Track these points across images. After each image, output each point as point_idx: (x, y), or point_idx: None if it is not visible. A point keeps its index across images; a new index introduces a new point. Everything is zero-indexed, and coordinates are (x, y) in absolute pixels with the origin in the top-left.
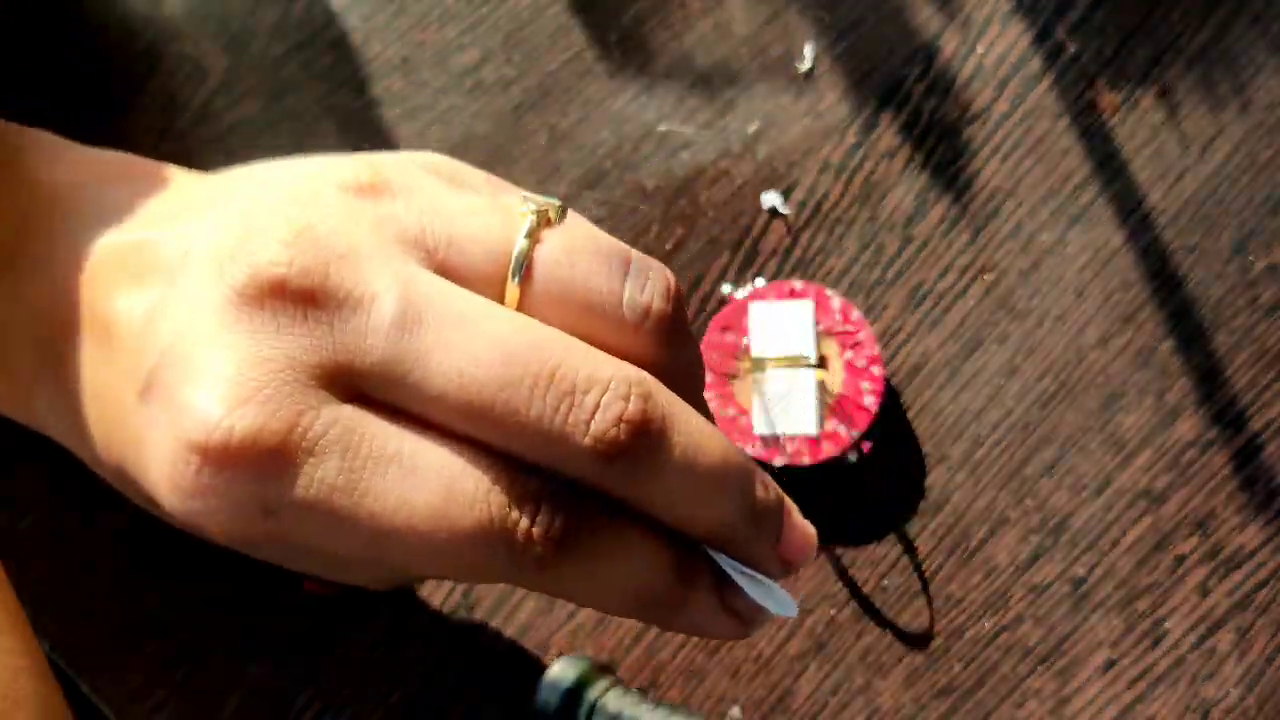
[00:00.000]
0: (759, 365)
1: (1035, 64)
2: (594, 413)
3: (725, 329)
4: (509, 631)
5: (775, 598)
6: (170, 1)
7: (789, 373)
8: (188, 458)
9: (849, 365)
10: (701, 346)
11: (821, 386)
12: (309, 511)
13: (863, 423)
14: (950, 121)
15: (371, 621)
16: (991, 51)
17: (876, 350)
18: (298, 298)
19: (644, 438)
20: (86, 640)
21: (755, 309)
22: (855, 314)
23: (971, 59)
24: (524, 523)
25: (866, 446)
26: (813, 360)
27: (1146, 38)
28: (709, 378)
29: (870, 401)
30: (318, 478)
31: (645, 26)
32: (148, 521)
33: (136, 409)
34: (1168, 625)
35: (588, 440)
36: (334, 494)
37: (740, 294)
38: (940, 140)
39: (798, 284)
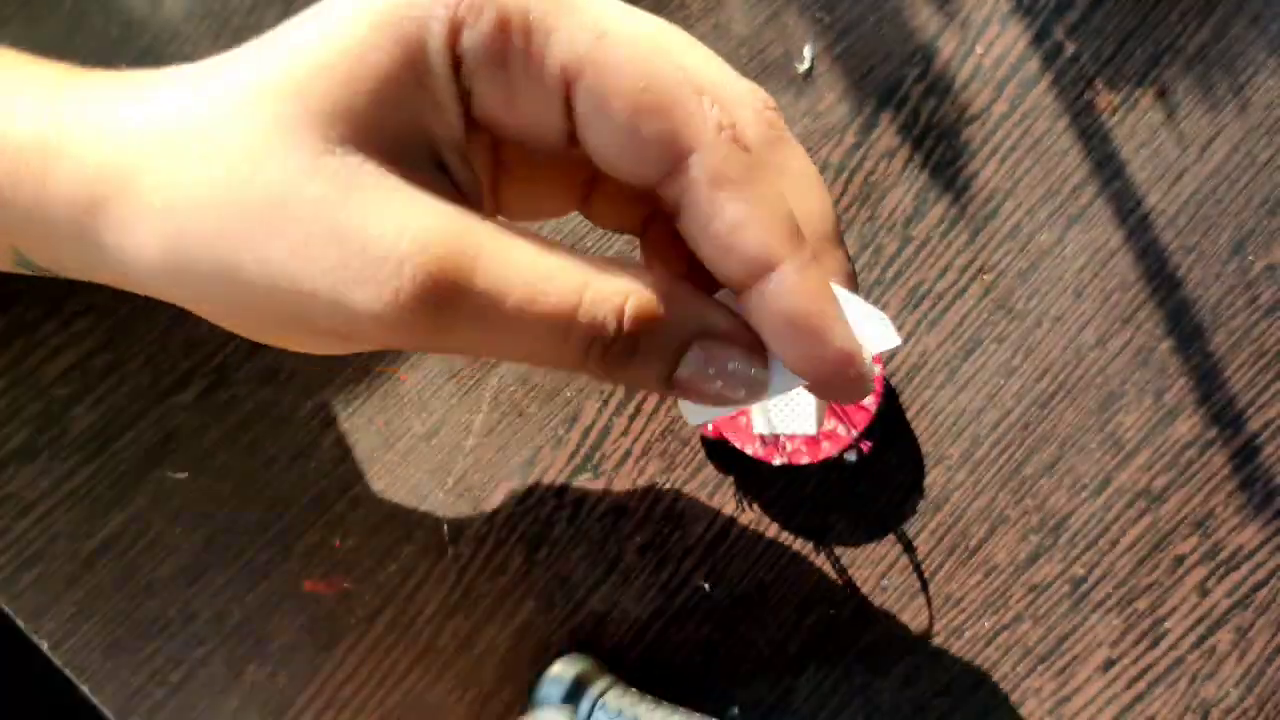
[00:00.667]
0: None
1: (1034, 65)
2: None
3: None
4: (509, 632)
5: (880, 329)
6: (170, 1)
7: None
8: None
9: None
10: None
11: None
12: None
13: (862, 422)
14: (949, 122)
15: (371, 621)
16: (990, 52)
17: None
18: None
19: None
20: (86, 640)
21: None
22: None
23: (970, 60)
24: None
25: (866, 446)
26: None
27: (1145, 38)
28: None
29: (869, 401)
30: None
31: None
32: (147, 522)
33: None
34: (1167, 625)
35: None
36: None
37: None
38: (939, 141)
39: None
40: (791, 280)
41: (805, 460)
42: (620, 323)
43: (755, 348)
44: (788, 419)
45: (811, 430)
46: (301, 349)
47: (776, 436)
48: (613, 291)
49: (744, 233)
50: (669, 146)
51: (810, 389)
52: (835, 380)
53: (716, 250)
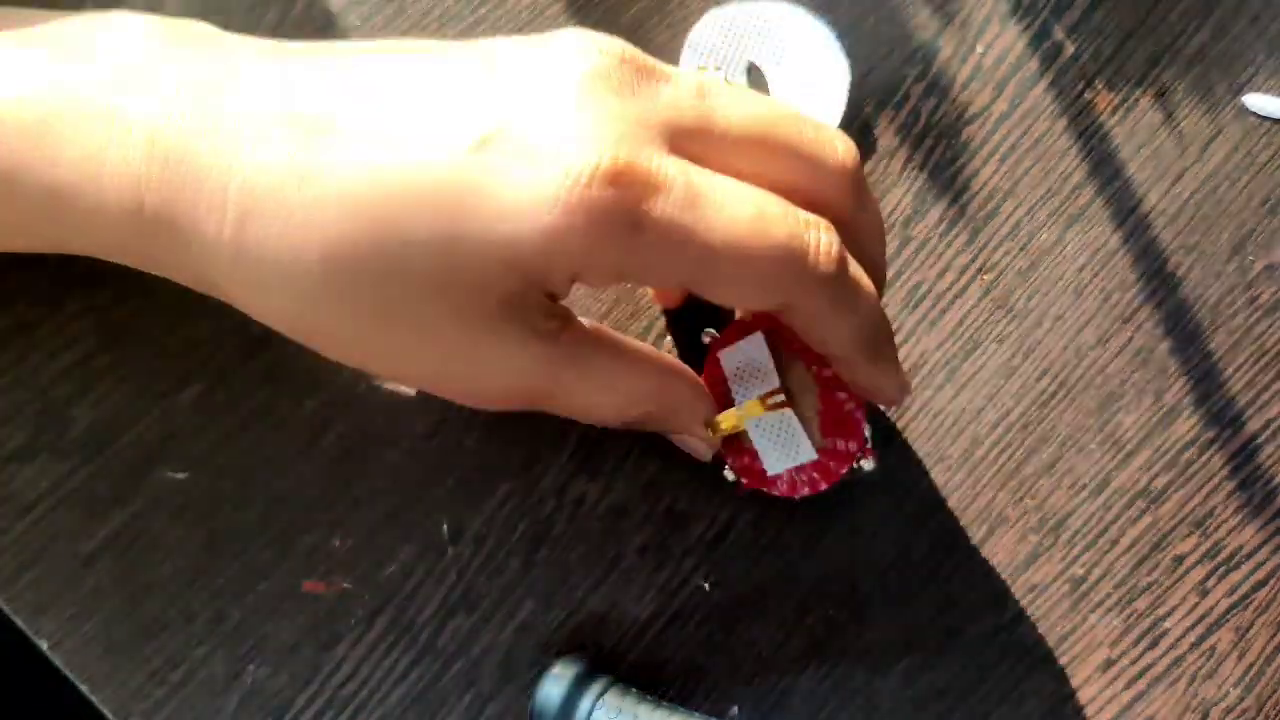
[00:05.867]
0: (748, 411)
1: (1034, 64)
2: (836, 142)
3: (713, 382)
4: (509, 632)
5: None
6: (170, 2)
7: (765, 416)
8: (578, 177)
9: (822, 379)
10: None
11: (796, 416)
12: (663, 230)
13: (855, 431)
14: (949, 122)
15: (371, 621)
16: (990, 52)
17: None
18: (635, 69)
19: (860, 175)
20: (86, 640)
21: (724, 359)
22: None
23: (970, 59)
24: (815, 237)
25: (872, 453)
26: (775, 387)
27: (1145, 38)
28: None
29: (850, 408)
30: (671, 201)
31: (645, 26)
32: (147, 522)
33: (469, 160)
34: (1167, 625)
35: (837, 160)
36: (682, 214)
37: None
38: (939, 140)
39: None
40: (860, 371)
41: (824, 486)
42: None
43: (713, 444)
44: (787, 454)
45: (813, 455)
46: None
47: (790, 471)
48: (634, 418)
49: (829, 340)
50: (778, 302)
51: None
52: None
53: (808, 338)
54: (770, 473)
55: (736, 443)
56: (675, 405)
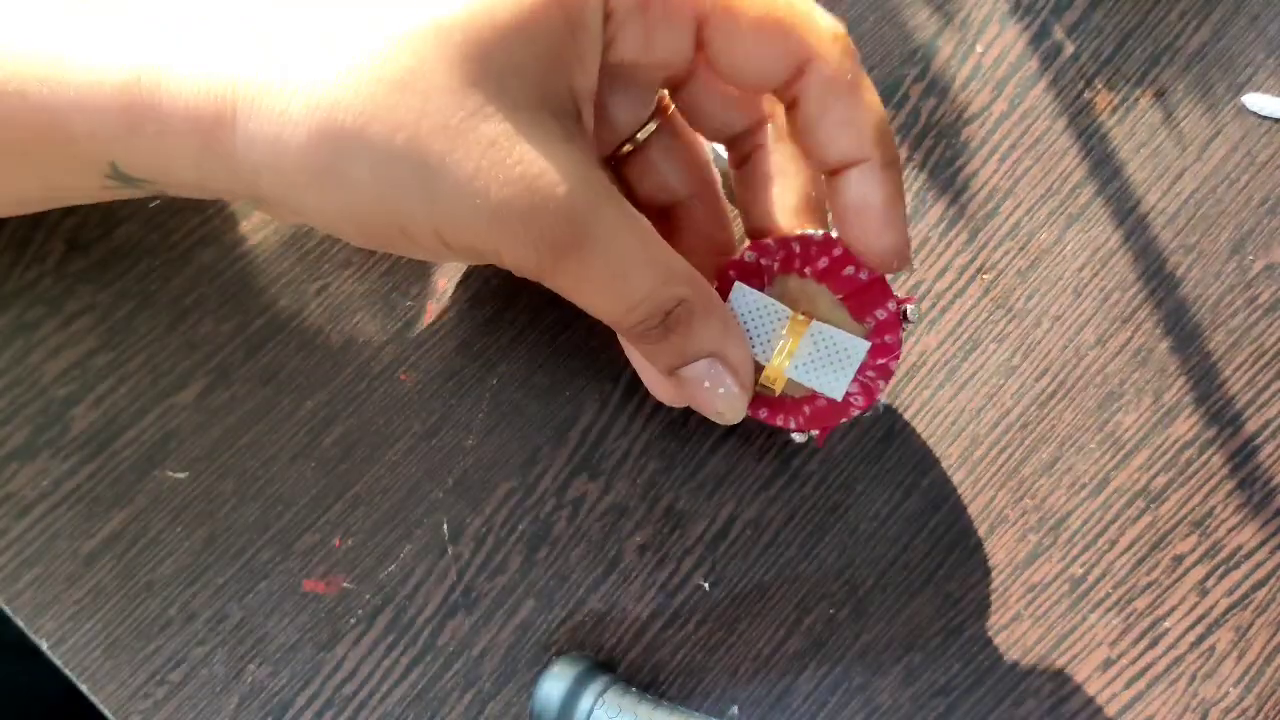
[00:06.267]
0: (794, 332)
1: (1033, 64)
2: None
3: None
4: (509, 631)
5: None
6: None
7: (811, 331)
8: None
9: (819, 273)
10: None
11: (817, 324)
12: None
13: (883, 292)
14: (948, 122)
15: (371, 621)
16: (990, 52)
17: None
18: None
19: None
20: (86, 640)
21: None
22: (815, 233)
23: (970, 59)
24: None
25: (911, 300)
26: (789, 311)
27: (1144, 38)
28: (762, 411)
29: (864, 276)
30: None
31: None
32: (147, 522)
33: None
34: (1166, 624)
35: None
36: None
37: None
38: (939, 140)
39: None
40: (876, 176)
41: (894, 364)
42: (665, 319)
43: (746, 385)
44: (840, 368)
45: (864, 344)
46: (403, 251)
47: (859, 376)
48: (672, 298)
49: (846, 130)
50: (792, 58)
51: (868, 260)
52: (890, 259)
53: (820, 141)
54: (840, 397)
55: (780, 402)
56: (710, 302)
